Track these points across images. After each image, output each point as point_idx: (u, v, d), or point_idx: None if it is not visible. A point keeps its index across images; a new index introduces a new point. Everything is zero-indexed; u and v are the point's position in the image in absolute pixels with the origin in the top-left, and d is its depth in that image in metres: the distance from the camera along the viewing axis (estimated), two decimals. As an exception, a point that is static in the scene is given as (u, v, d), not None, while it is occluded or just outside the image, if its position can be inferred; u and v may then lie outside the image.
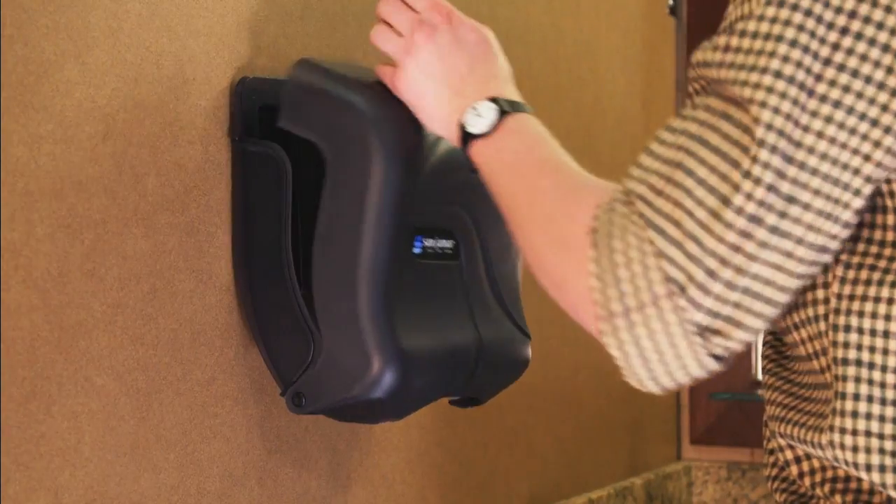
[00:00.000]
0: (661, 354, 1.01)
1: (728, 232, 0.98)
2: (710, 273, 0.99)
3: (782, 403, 1.13)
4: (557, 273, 1.08)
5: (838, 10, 0.99)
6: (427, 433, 1.61)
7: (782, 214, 0.98)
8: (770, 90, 0.98)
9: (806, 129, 0.98)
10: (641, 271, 1.00)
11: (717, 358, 1.02)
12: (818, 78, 0.99)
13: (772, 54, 0.99)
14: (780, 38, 0.99)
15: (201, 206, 1.24)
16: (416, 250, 1.29)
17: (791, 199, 0.98)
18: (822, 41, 0.99)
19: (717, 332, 1.01)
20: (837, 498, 1.10)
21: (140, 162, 1.17)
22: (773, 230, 0.98)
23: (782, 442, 1.13)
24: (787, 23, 0.99)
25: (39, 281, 1.07)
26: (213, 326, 1.25)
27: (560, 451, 1.97)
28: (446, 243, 1.32)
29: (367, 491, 1.48)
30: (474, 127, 1.18)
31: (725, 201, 0.99)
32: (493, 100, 1.19)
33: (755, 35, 1.00)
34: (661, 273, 1.00)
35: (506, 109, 1.19)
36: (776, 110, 0.98)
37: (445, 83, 1.22)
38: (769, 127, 0.98)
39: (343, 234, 1.23)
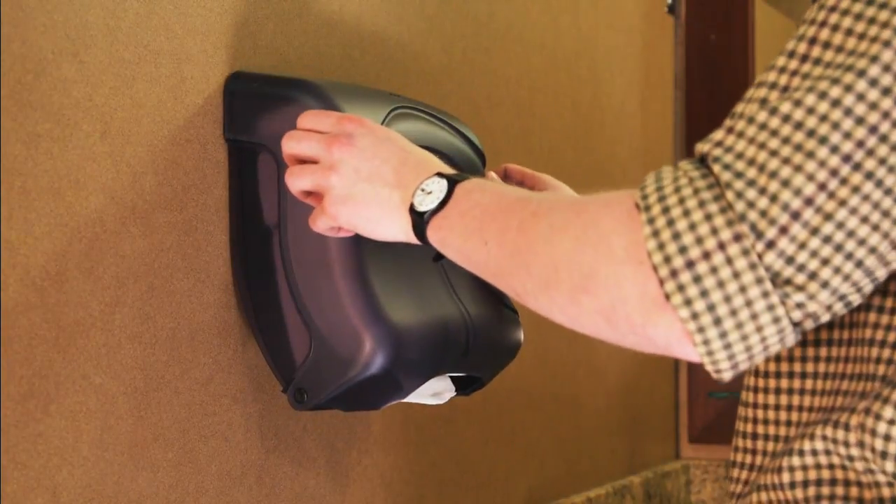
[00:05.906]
0: (735, 314, 0.93)
1: (820, 171, 0.92)
2: (794, 214, 0.92)
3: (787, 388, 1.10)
4: (592, 269, 0.97)
5: None
6: (425, 432, 1.61)
7: (882, 161, 0.92)
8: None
9: None
10: (702, 218, 0.93)
11: (795, 325, 0.95)
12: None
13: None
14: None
15: (199, 205, 1.24)
16: None
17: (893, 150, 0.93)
18: None
19: (793, 285, 0.93)
20: None
21: (138, 160, 1.17)
22: (869, 176, 0.92)
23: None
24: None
25: (37, 280, 1.07)
26: (211, 325, 1.25)
27: (558, 449, 1.97)
28: None
29: (365, 489, 1.48)
30: (427, 204, 1.11)
31: (822, 140, 0.93)
32: (438, 174, 1.12)
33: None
34: (725, 217, 0.93)
35: (455, 179, 1.11)
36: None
37: (381, 181, 1.14)
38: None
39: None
